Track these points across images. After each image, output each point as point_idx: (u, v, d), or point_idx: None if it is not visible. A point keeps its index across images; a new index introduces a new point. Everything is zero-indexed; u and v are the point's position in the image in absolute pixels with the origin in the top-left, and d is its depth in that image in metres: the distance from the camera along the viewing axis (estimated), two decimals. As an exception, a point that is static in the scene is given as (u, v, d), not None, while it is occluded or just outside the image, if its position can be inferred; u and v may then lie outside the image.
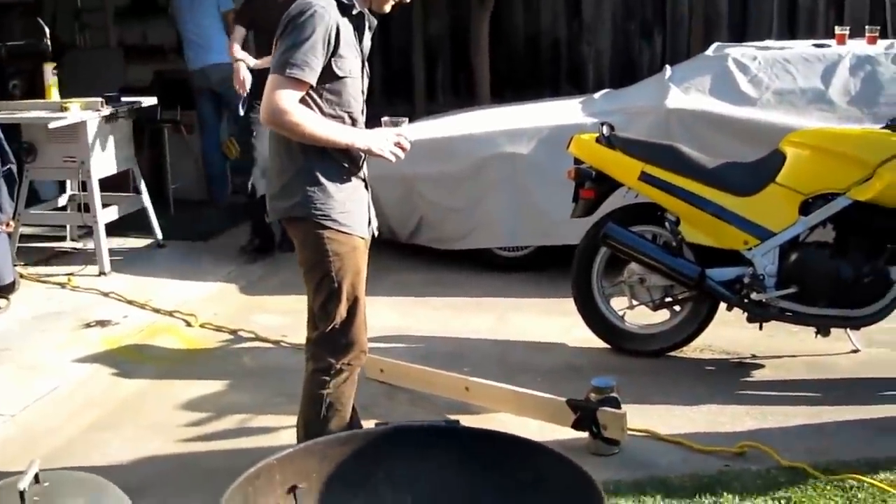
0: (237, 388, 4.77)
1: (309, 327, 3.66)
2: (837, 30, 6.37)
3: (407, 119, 3.51)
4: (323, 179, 3.35)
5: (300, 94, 3.24)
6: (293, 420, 4.27)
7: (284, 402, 4.51)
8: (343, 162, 3.39)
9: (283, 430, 4.24)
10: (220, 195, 8.54)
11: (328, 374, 3.47)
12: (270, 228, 6.63)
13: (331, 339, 3.47)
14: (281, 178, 3.43)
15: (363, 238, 3.51)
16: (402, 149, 3.41)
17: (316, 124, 3.26)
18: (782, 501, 3.53)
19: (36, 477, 3.29)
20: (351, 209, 3.42)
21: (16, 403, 4.58)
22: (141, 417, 4.48)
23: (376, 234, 3.64)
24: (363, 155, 3.43)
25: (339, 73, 3.32)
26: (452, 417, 3.13)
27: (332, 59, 3.29)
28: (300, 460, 2.22)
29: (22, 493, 3.19)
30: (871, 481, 3.62)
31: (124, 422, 4.44)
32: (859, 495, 3.55)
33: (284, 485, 2.17)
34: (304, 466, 2.23)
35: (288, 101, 3.21)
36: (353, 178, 3.44)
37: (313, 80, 3.25)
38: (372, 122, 3.52)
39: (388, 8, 3.53)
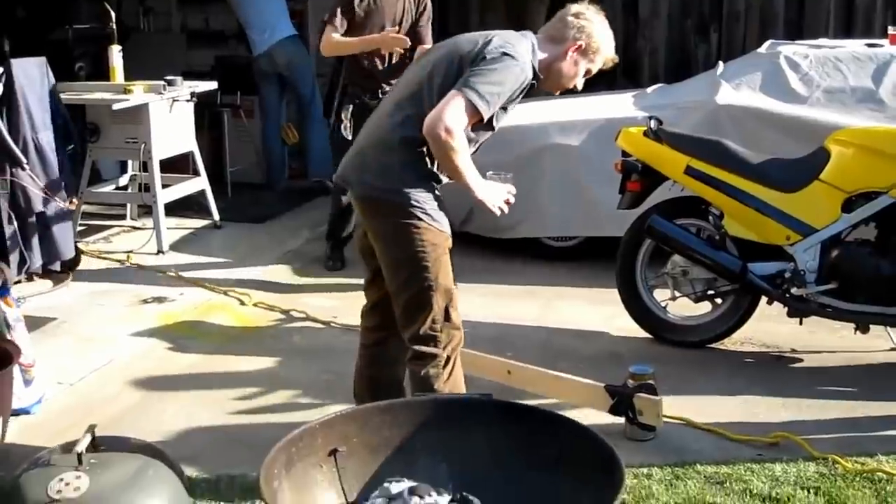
0: (287, 366, 4.92)
1: (368, 318, 3.79)
2: (890, 29, 6.40)
3: (512, 174, 3.61)
4: (423, 178, 3.41)
5: (468, 122, 3.27)
6: (341, 395, 4.45)
7: (333, 378, 4.67)
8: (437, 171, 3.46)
9: (331, 405, 4.36)
10: (278, 180, 8.71)
11: (440, 366, 3.44)
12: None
13: (433, 332, 3.45)
14: (381, 159, 3.44)
15: (449, 236, 3.52)
16: (508, 204, 3.49)
17: (463, 158, 3.28)
18: (812, 492, 3.61)
19: (93, 442, 3.47)
20: (441, 209, 3.46)
21: (74, 373, 4.76)
22: (193, 390, 4.63)
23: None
24: None
25: (494, 125, 3.43)
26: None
27: (498, 112, 3.38)
28: (341, 425, 2.36)
29: (80, 455, 3.37)
30: (900, 474, 3.70)
31: (177, 394, 4.59)
32: (888, 488, 3.62)
33: (326, 448, 2.30)
34: (344, 431, 2.36)
35: (458, 123, 3.22)
36: (439, 183, 3.50)
37: (485, 119, 3.30)
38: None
39: (556, 91, 3.66)
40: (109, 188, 7.37)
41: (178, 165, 7.46)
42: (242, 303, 5.82)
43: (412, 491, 2.22)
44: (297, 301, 5.85)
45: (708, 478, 3.71)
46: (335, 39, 5.79)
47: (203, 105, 7.71)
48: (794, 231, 4.71)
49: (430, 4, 5.96)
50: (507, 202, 3.49)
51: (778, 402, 4.42)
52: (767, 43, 6.98)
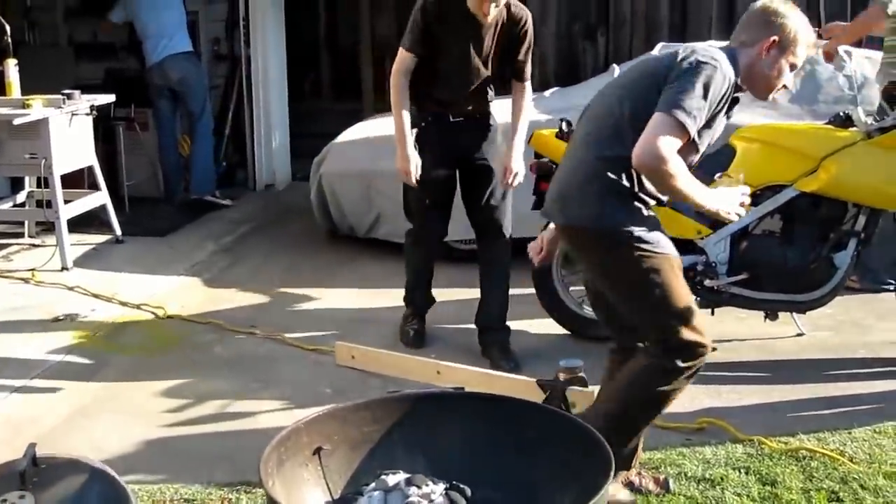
0: (212, 376, 4.91)
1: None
2: None
3: (742, 173, 3.67)
4: (628, 203, 3.26)
5: (680, 143, 3.07)
6: (271, 404, 4.50)
7: (261, 387, 4.72)
8: (647, 196, 3.31)
9: (262, 413, 4.42)
10: (176, 192, 8.65)
11: (672, 374, 3.30)
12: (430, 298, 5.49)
13: (678, 344, 3.27)
14: (583, 186, 3.29)
15: (673, 256, 3.35)
16: (743, 206, 3.37)
17: (684, 181, 3.11)
18: (742, 471, 3.77)
19: (33, 460, 3.44)
20: (655, 229, 3.30)
21: (-10, 396, 4.67)
22: (120, 406, 4.58)
23: None
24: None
25: (698, 144, 3.20)
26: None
27: (703, 129, 3.19)
28: (324, 424, 2.41)
29: (22, 474, 3.34)
30: (823, 451, 3.90)
31: (104, 410, 4.54)
32: (812, 464, 3.82)
33: (311, 446, 2.36)
34: (327, 430, 2.42)
35: (670, 147, 3.03)
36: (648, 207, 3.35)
37: (693, 136, 3.10)
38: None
39: (766, 97, 3.51)
40: (7, 206, 7.23)
41: (73, 180, 7.34)
42: (157, 316, 5.78)
43: (409, 482, 2.29)
44: (212, 312, 5.83)
45: (643, 464, 3.83)
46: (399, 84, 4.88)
47: (96, 119, 7.62)
48: (705, 225, 4.89)
49: (531, 30, 4.95)
50: (742, 204, 3.39)
51: (698, 390, 4.57)
52: (659, 45, 7.22)
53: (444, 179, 5.06)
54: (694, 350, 3.28)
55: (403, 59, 4.86)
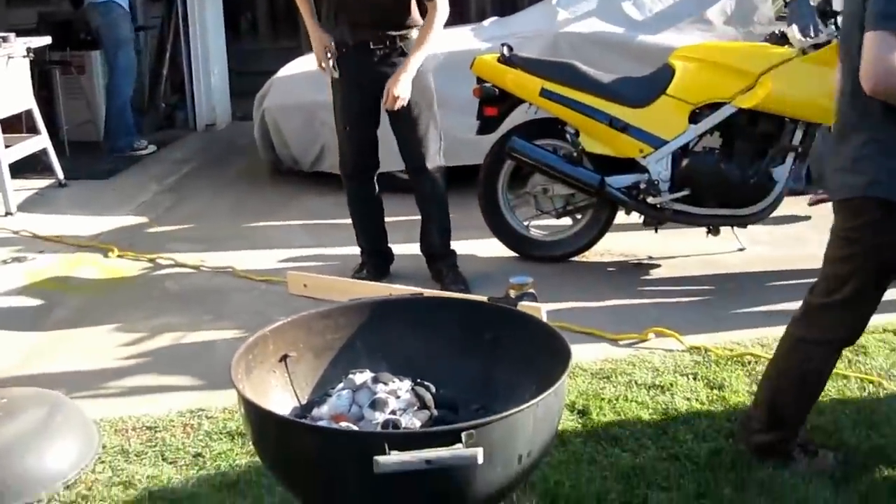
0: (165, 311, 4.93)
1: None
2: None
3: None
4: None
5: None
6: (226, 334, 4.55)
7: (213, 319, 4.78)
8: None
9: (216, 342, 4.47)
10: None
11: (817, 347, 3.13)
12: (385, 248, 5.30)
13: (834, 312, 3.04)
14: (850, 147, 2.91)
15: None
16: None
17: None
18: (690, 377, 3.91)
19: (-7, 393, 3.47)
20: None
21: (-57, 338, 4.67)
22: (75, 344, 4.59)
23: None
24: None
25: None
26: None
27: None
28: (289, 332, 2.47)
29: (-17, 408, 3.38)
30: (766, 356, 4.01)
31: (61, 347, 4.55)
32: (757, 368, 3.95)
33: (277, 353, 2.42)
34: (292, 337, 2.48)
35: (889, 63, 2.63)
36: None
37: None
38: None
39: None
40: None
41: (11, 126, 7.26)
42: (106, 255, 5.77)
43: (375, 379, 2.36)
44: (161, 249, 5.83)
45: (594, 374, 3.96)
46: None
47: (32, 63, 7.52)
48: (646, 144, 5.00)
49: None
50: None
51: (644, 304, 4.74)
52: (596, -28, 7.25)
53: (361, 108, 4.90)
54: (850, 331, 3.12)
55: None
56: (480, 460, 1.84)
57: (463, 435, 1.87)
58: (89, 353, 4.46)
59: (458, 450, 1.84)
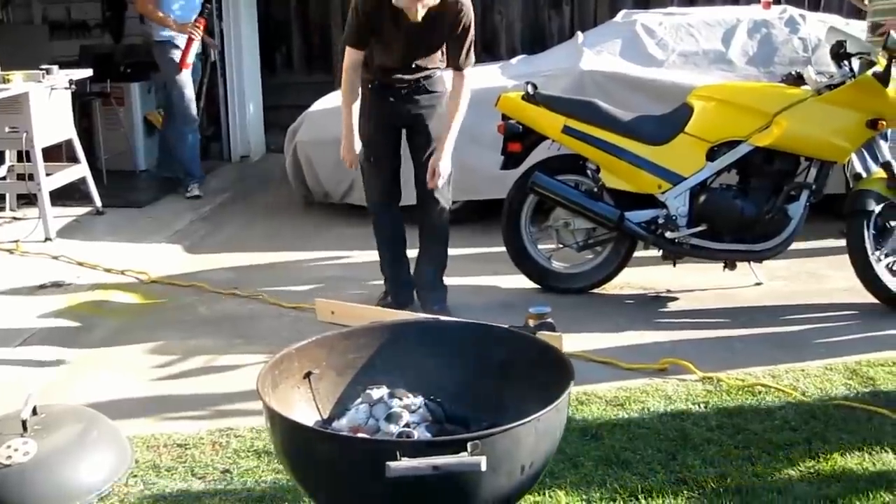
0: (197, 334, 5.10)
1: None
2: None
3: None
4: None
5: None
6: (255, 358, 4.71)
7: (244, 343, 4.94)
8: None
9: (246, 366, 4.60)
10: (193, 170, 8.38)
11: None
12: (408, 276, 5.37)
13: None
14: None
15: None
16: None
17: None
18: (702, 405, 4.03)
19: (34, 409, 3.64)
20: None
21: (-15, 357, 4.84)
22: (110, 364, 4.76)
23: None
24: None
25: None
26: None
27: None
28: (313, 350, 2.64)
29: (24, 422, 3.54)
30: (777, 386, 4.16)
31: (98, 366, 4.72)
32: (767, 398, 4.08)
33: (301, 370, 2.58)
34: (316, 356, 2.64)
35: None
36: None
37: None
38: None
39: None
40: (-15, 180, 7.39)
41: (51, 154, 7.50)
42: (141, 281, 5.97)
43: (391, 395, 2.52)
44: (194, 276, 6.02)
45: (609, 401, 4.09)
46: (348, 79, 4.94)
47: (73, 94, 7.76)
48: (665, 180, 5.15)
49: (467, 21, 4.81)
50: None
51: (660, 335, 4.86)
52: (622, 12, 7.46)
53: (385, 141, 5.06)
54: None
55: (350, 55, 4.91)
56: (483, 467, 1.99)
57: (468, 444, 2.02)
58: (123, 373, 4.63)
59: (463, 457, 1.99)
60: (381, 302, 5.29)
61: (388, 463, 1.95)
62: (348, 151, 5.04)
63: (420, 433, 2.36)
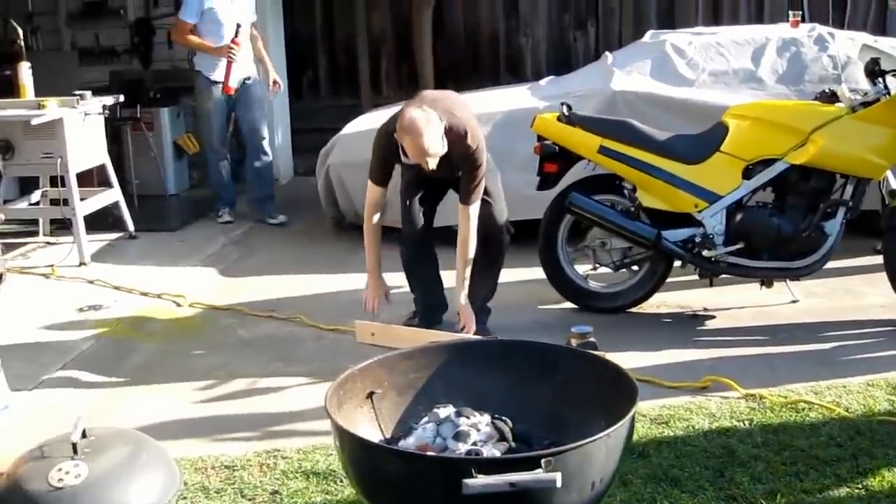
0: (238, 356, 5.14)
1: None
2: (791, 15, 6.97)
3: None
4: None
5: None
6: (297, 380, 4.75)
7: (285, 365, 4.98)
8: None
9: (289, 388, 4.67)
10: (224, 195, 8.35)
11: None
12: (438, 299, 5.44)
13: None
14: None
15: None
16: None
17: None
18: (746, 422, 4.05)
19: (83, 432, 3.67)
20: None
21: (28, 380, 4.88)
22: (153, 386, 4.81)
23: None
24: None
25: None
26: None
27: None
28: (375, 371, 2.67)
29: (74, 445, 3.57)
30: (820, 403, 4.17)
31: (139, 388, 4.77)
32: (811, 415, 4.09)
33: (364, 390, 2.61)
34: (378, 376, 2.68)
35: None
36: None
37: None
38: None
39: None
40: (23, 204, 7.44)
41: (83, 180, 7.56)
42: (178, 304, 6.01)
43: (458, 413, 2.55)
44: (231, 299, 6.07)
45: (653, 420, 4.10)
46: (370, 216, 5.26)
47: (104, 120, 7.84)
48: (701, 199, 5.17)
49: (475, 160, 4.89)
50: None
51: (700, 353, 4.88)
52: (650, 33, 7.48)
53: (423, 193, 5.20)
54: None
55: (372, 192, 5.10)
56: (559, 484, 2.01)
57: (542, 461, 2.04)
58: (166, 395, 4.68)
59: (539, 473, 2.01)
60: (409, 321, 5.35)
61: (464, 480, 1.97)
62: (372, 292, 5.17)
63: (488, 451, 2.38)
